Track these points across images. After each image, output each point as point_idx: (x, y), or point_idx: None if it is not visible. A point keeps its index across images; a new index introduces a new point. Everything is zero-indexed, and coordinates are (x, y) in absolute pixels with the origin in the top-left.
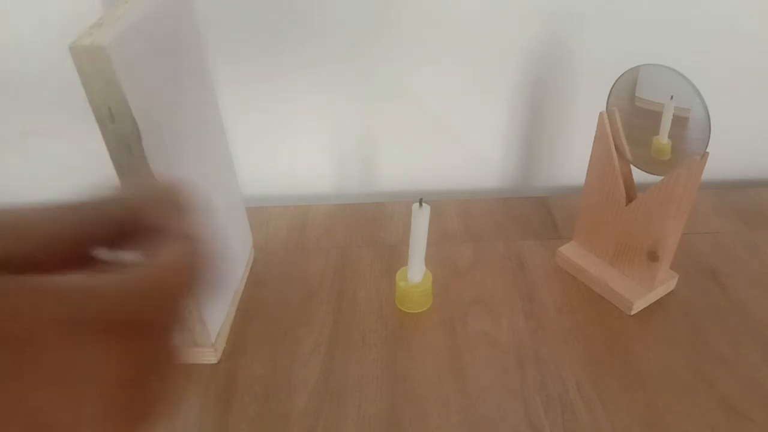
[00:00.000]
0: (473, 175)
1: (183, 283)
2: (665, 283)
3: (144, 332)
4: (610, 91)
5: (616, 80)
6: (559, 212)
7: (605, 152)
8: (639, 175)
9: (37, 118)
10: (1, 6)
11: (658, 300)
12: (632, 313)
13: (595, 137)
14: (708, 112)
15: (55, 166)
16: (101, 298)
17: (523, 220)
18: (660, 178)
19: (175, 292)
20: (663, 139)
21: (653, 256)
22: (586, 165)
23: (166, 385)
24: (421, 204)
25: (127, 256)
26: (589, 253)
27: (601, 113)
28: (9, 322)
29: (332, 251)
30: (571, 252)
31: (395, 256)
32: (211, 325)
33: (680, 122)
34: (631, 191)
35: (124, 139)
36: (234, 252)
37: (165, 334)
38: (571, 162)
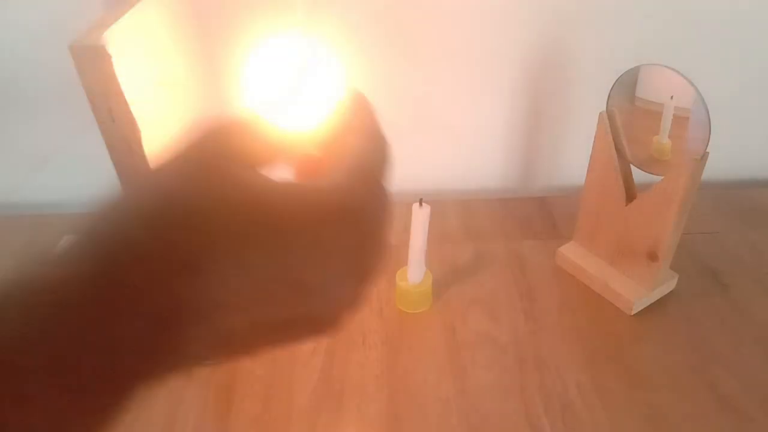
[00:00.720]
0: (473, 175)
1: (382, 173)
2: (665, 283)
3: (366, 213)
4: (610, 91)
5: (616, 80)
6: (559, 212)
7: (605, 152)
8: (639, 175)
9: (37, 117)
10: (2, 7)
11: (658, 300)
12: (632, 313)
13: (595, 137)
14: (708, 112)
15: (55, 166)
16: (364, 197)
17: (523, 220)
18: (660, 178)
19: (379, 181)
20: (663, 139)
21: (653, 256)
22: (586, 165)
23: (382, 252)
24: (421, 204)
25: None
26: (589, 253)
27: (601, 113)
28: (291, 208)
29: None
30: (571, 252)
31: (395, 256)
32: None
33: (680, 122)
34: (631, 191)
35: (124, 139)
36: None
37: (381, 213)
38: (571, 162)
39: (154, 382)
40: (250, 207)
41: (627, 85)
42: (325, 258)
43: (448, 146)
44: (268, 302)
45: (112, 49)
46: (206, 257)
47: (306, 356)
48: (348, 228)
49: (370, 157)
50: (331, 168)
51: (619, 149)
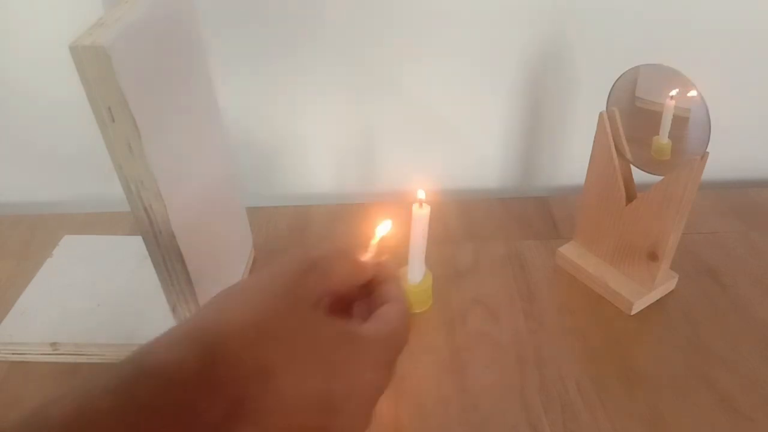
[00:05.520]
0: (473, 175)
1: (410, 328)
2: (665, 283)
3: (392, 368)
4: (610, 91)
5: (616, 80)
6: (559, 212)
7: (605, 152)
8: (639, 175)
9: (37, 117)
10: (2, 7)
11: (658, 300)
12: (632, 313)
13: (595, 137)
14: (708, 112)
15: (54, 166)
16: (397, 341)
17: (523, 220)
18: (660, 178)
19: (408, 334)
20: (663, 139)
21: (653, 256)
22: (586, 165)
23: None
24: (421, 204)
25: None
26: (589, 253)
27: (601, 113)
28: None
29: None
30: (571, 252)
31: (395, 256)
32: None
33: (680, 122)
34: (631, 191)
35: (124, 139)
36: (234, 252)
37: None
38: (571, 162)
39: None
40: (311, 339)
41: (627, 85)
42: (354, 388)
43: (448, 146)
44: (304, 410)
45: (112, 49)
46: (275, 367)
47: None
48: (380, 372)
49: (405, 323)
50: (376, 319)
51: (619, 149)
